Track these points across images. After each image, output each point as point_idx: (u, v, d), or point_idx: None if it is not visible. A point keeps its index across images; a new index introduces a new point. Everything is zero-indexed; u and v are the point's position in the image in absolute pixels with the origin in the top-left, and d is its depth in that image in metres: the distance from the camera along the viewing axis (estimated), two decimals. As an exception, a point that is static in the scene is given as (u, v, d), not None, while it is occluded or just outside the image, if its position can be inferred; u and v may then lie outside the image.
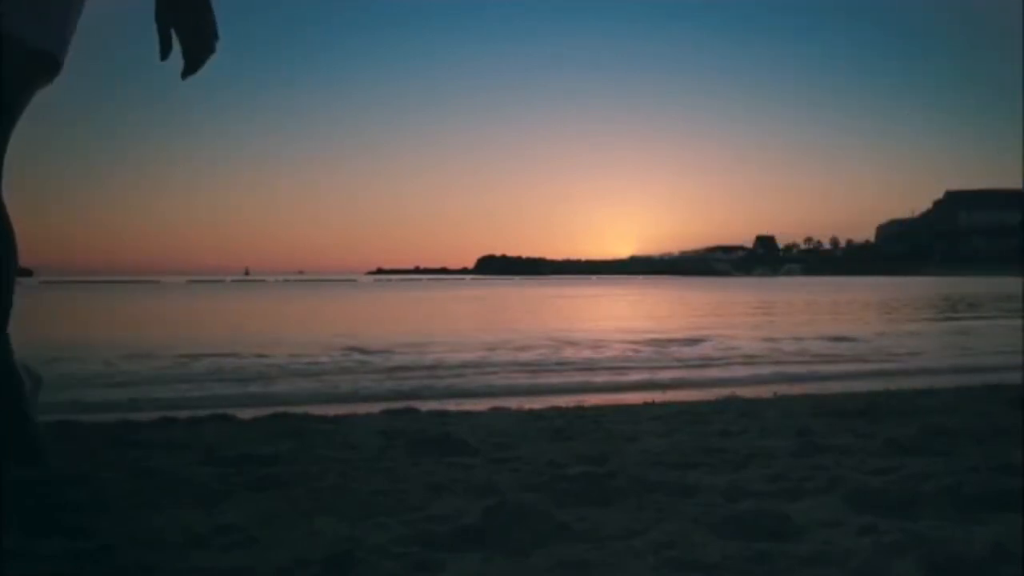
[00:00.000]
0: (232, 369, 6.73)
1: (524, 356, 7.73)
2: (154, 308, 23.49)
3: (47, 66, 1.59)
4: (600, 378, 6.23)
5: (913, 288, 40.85)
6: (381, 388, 5.63)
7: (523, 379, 6.16)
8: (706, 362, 7.31)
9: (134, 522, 1.36)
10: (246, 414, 3.00)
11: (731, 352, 8.04)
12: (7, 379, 1.62)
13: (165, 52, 1.60)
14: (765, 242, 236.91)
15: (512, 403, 3.76)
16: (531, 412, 3.12)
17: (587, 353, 8.04)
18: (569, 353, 8.04)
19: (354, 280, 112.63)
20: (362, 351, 8.09)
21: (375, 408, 3.28)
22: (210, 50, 1.63)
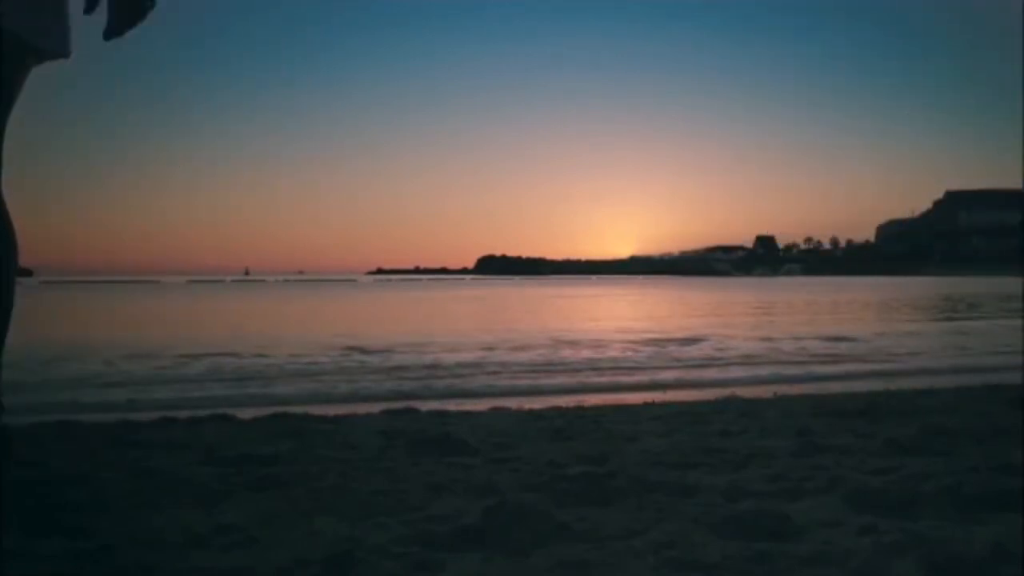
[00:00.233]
0: (232, 369, 6.73)
1: (524, 356, 7.73)
2: (154, 308, 23.49)
3: (38, 52, 1.53)
4: (600, 378, 6.23)
5: (913, 288, 40.86)
6: (381, 388, 5.63)
7: (523, 379, 6.16)
8: (706, 362, 7.31)
9: (134, 522, 1.36)
10: (246, 414, 3.00)
11: (731, 352, 8.05)
12: None
13: (91, 5, 1.51)
14: (765, 242, 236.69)
15: (512, 403, 3.77)
16: (531, 412, 3.12)
17: (587, 353, 8.04)
18: (569, 353, 8.04)
19: (354, 280, 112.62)
20: (362, 351, 8.09)
21: (375, 408, 3.28)
22: (140, 13, 1.52)
